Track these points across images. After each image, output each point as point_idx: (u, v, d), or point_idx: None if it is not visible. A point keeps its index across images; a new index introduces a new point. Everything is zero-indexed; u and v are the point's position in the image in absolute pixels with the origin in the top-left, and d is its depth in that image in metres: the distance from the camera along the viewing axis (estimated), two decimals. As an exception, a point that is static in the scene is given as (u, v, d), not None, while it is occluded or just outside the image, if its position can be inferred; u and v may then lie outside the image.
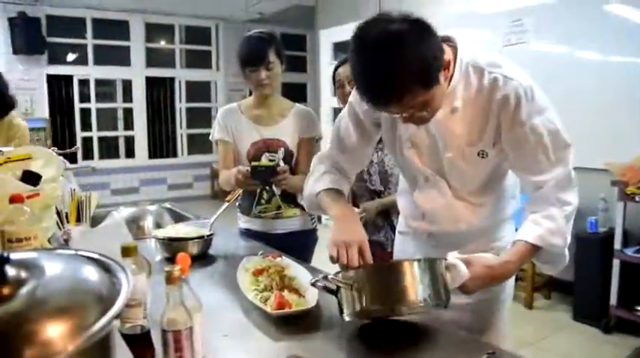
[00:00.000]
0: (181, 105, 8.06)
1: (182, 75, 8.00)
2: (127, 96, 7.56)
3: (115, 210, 2.22)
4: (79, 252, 0.58)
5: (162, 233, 1.80)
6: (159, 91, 7.89)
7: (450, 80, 1.23)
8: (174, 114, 8.04)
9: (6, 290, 0.46)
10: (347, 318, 1.16)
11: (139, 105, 7.59)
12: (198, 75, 8.21)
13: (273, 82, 2.03)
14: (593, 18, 3.51)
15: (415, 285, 1.12)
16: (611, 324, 3.21)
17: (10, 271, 0.48)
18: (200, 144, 8.38)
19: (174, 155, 8.16)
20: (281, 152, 2.07)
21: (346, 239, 1.23)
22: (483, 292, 1.29)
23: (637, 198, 3.01)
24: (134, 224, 2.14)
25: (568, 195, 1.25)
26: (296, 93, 8.95)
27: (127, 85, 7.53)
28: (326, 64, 6.59)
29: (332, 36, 6.32)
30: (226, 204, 1.99)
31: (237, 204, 2.20)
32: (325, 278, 1.20)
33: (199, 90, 8.26)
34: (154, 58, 7.73)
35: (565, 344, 3.10)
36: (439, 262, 1.17)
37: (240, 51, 2.03)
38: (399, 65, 1.06)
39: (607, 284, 3.21)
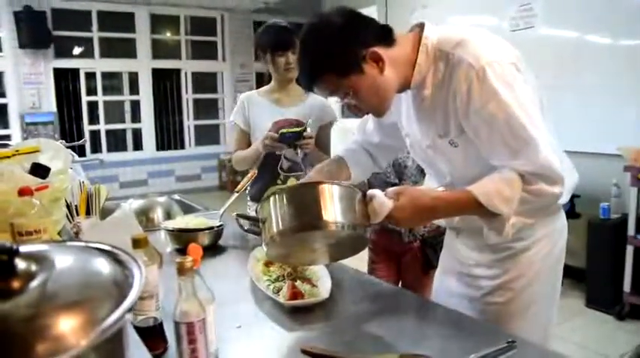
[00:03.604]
0: (188, 96, 8.04)
1: (188, 66, 7.97)
2: (134, 88, 7.56)
3: (124, 202, 2.22)
4: (90, 244, 0.56)
5: (171, 224, 1.79)
6: (165, 83, 7.87)
7: (413, 68, 1.22)
8: (181, 105, 8.03)
9: (16, 284, 0.44)
10: (264, 247, 1.16)
11: (146, 97, 7.59)
12: (204, 66, 8.18)
13: (296, 67, 2.10)
14: (601, 3, 3.45)
15: (328, 206, 1.10)
16: (624, 311, 3.18)
17: (20, 264, 0.46)
18: (208, 136, 8.38)
19: (182, 147, 8.16)
20: (309, 122, 2.16)
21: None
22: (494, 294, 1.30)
23: (650, 183, 2.96)
24: (143, 215, 2.13)
25: (540, 184, 1.15)
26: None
27: (134, 78, 7.51)
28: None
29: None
30: (236, 195, 1.98)
31: (247, 192, 2.21)
32: (243, 216, 1.25)
33: (206, 82, 8.24)
34: (159, 50, 7.70)
35: (578, 331, 3.08)
36: (355, 191, 1.17)
37: (264, 38, 2.14)
38: (311, 53, 1.21)
39: (620, 270, 3.18)
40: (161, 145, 7.93)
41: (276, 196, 1.16)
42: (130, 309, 0.43)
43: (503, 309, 1.36)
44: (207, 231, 1.77)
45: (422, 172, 2.12)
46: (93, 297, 0.45)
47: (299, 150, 2.12)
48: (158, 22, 7.67)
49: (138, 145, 7.71)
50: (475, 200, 1.15)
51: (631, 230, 3.11)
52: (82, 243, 0.57)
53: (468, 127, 1.20)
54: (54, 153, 1.43)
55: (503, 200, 1.15)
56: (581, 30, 3.60)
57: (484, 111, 1.14)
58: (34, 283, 0.44)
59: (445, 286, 1.54)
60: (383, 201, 1.15)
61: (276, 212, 1.14)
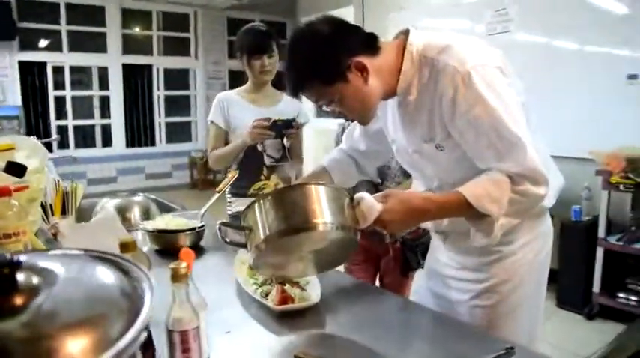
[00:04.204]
0: (159, 93, 7.88)
1: (160, 62, 7.81)
2: (104, 83, 7.35)
3: (96, 200, 2.14)
4: (90, 253, 0.53)
5: (151, 225, 1.74)
6: (136, 79, 7.69)
7: (399, 75, 1.22)
8: (152, 102, 7.86)
9: (18, 300, 0.40)
10: (251, 258, 1.13)
11: (116, 93, 7.39)
12: (176, 62, 8.02)
13: (273, 69, 2.20)
14: (574, 8, 3.53)
15: (316, 207, 1.08)
16: (594, 311, 3.26)
17: (22, 277, 0.42)
18: (179, 133, 8.25)
19: (153, 144, 7.99)
20: (298, 114, 2.23)
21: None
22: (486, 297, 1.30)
23: (621, 187, 3.04)
24: (120, 215, 2.04)
25: (526, 185, 1.16)
26: (276, 81, 8.84)
27: (104, 73, 7.31)
28: (308, 52, 6.52)
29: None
30: (217, 195, 1.93)
31: (226, 190, 2.18)
32: (225, 223, 1.23)
33: (178, 78, 8.09)
34: (130, 45, 7.51)
35: (550, 331, 3.14)
36: (343, 194, 1.15)
37: (243, 41, 2.20)
38: (297, 61, 1.22)
39: (590, 271, 3.26)
40: (131, 142, 7.74)
41: (261, 201, 1.12)
42: (146, 327, 0.40)
43: (490, 312, 1.37)
44: (188, 233, 1.72)
45: (405, 173, 2.12)
46: (103, 313, 0.41)
47: (285, 140, 2.17)
48: (129, 16, 7.47)
49: (107, 142, 7.51)
50: (465, 201, 1.15)
51: (601, 232, 3.19)
52: (81, 251, 0.53)
53: (454, 131, 1.21)
54: (30, 151, 1.36)
55: (493, 201, 1.15)
56: (554, 34, 3.68)
57: (470, 114, 1.15)
58: (38, 299, 0.40)
59: (431, 289, 1.54)
60: (371, 203, 1.14)
61: (262, 218, 1.10)
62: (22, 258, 0.45)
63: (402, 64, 1.23)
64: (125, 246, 0.94)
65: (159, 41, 7.79)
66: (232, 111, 2.22)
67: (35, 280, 0.42)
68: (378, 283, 2.22)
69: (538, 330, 1.48)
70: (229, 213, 2.32)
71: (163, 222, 1.76)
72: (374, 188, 2.11)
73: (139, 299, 0.43)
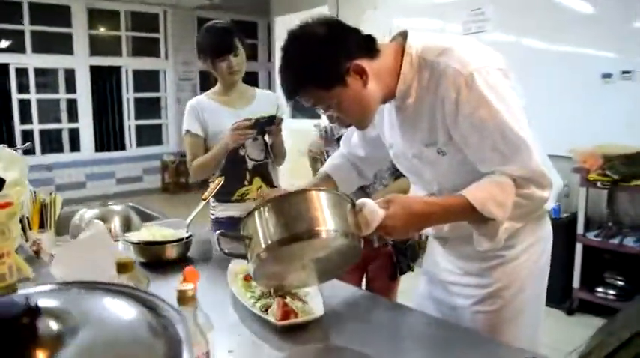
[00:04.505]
0: (129, 95, 7.69)
1: (129, 64, 7.62)
2: (71, 86, 7.12)
3: (74, 209, 2.04)
4: (108, 286, 0.47)
5: (136, 236, 1.66)
6: (105, 81, 7.48)
7: (397, 78, 1.20)
8: (122, 104, 7.67)
9: (42, 356, 0.34)
10: (251, 268, 1.11)
11: (84, 95, 7.17)
12: (145, 63, 7.85)
13: (241, 68, 2.11)
14: (549, 8, 3.59)
15: (318, 214, 1.05)
16: (574, 306, 3.31)
17: (42, 325, 0.36)
18: (150, 136, 8.07)
19: (123, 148, 7.79)
20: (278, 107, 2.14)
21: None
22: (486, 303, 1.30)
23: (598, 184, 3.10)
24: (100, 226, 1.97)
25: (531, 189, 1.14)
26: (246, 81, 8.76)
27: (70, 75, 7.08)
28: (282, 52, 6.45)
29: (288, 23, 6.17)
30: (203, 203, 1.87)
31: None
32: (225, 234, 1.19)
33: (148, 80, 7.92)
34: (98, 46, 7.30)
35: (533, 328, 3.17)
36: (345, 200, 1.13)
37: (204, 42, 2.07)
38: (293, 65, 1.17)
39: (570, 267, 3.31)
40: (100, 146, 7.54)
41: (261, 209, 1.09)
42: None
43: (493, 317, 1.35)
44: (175, 244, 1.65)
45: (392, 175, 2.10)
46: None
47: (267, 137, 2.11)
48: (96, 16, 7.27)
49: (75, 146, 7.28)
50: (469, 205, 1.13)
51: (580, 228, 3.25)
52: (97, 285, 0.47)
53: (456, 134, 1.18)
54: (7, 162, 1.27)
55: (497, 204, 1.13)
56: (530, 34, 3.73)
57: (474, 117, 1.12)
58: (64, 353, 0.34)
59: (432, 295, 1.51)
60: (374, 209, 1.11)
61: (262, 226, 1.07)
62: (36, 298, 0.39)
63: (401, 66, 1.20)
64: (123, 267, 0.88)
65: (128, 42, 7.60)
66: (208, 117, 2.12)
67: (55, 327, 0.36)
68: (364, 287, 2.19)
69: (540, 334, 1.47)
70: (212, 217, 2.25)
71: (149, 232, 1.69)
72: (361, 190, 2.08)
73: (175, 344, 0.38)
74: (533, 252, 1.36)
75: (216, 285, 1.44)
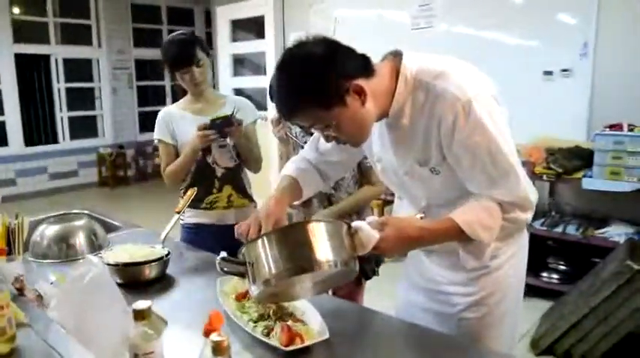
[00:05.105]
0: (60, 85, 7.25)
1: (58, 52, 7.17)
2: (-6, 75, 6.61)
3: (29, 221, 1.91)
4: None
5: (112, 256, 1.58)
6: (32, 70, 6.99)
7: (392, 98, 1.22)
8: (52, 95, 7.22)
9: None
10: (254, 293, 1.14)
11: (10, 86, 6.68)
12: (77, 52, 7.42)
13: (204, 78, 2.11)
14: (496, 4, 3.74)
15: (320, 246, 1.10)
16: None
17: None
18: (84, 128, 7.68)
19: (55, 141, 7.37)
20: (235, 108, 2.12)
21: (258, 214, 1.33)
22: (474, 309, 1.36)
23: (544, 177, 3.29)
24: (63, 243, 1.85)
25: (516, 213, 1.23)
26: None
27: (-8, 64, 6.57)
28: (224, 42, 6.29)
29: (230, 13, 6.02)
30: (177, 216, 1.82)
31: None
32: (226, 259, 1.19)
33: (80, 69, 7.49)
34: (23, 33, 6.80)
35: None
36: (341, 225, 1.17)
37: (166, 55, 2.08)
38: (292, 84, 1.16)
39: (517, 254, 3.50)
40: (30, 140, 7.07)
41: (265, 239, 1.14)
42: None
43: (477, 324, 1.42)
44: (154, 263, 1.59)
45: (356, 183, 2.13)
46: None
47: (228, 139, 2.09)
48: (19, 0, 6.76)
49: (2, 140, 6.78)
50: (458, 228, 1.19)
51: (527, 218, 3.43)
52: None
53: (449, 155, 1.23)
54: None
55: (485, 228, 1.20)
56: (477, 30, 3.86)
57: (469, 141, 1.17)
58: None
59: (414, 302, 1.56)
60: (369, 233, 1.15)
61: (266, 255, 1.11)
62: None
63: (396, 86, 1.22)
64: (140, 314, 0.84)
65: (56, 29, 7.14)
66: (177, 128, 2.14)
67: None
68: (330, 294, 2.21)
69: (516, 335, 1.56)
70: (182, 222, 2.24)
71: (125, 252, 1.61)
72: (326, 198, 2.10)
73: None
74: (515, 260, 1.43)
75: (202, 304, 1.41)
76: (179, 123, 2.13)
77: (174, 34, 2.15)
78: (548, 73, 3.51)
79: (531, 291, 3.49)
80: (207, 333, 0.82)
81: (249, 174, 2.28)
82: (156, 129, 2.17)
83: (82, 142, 7.62)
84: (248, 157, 2.19)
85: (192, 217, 2.21)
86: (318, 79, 1.13)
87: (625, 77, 3.30)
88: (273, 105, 2.20)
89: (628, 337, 2.55)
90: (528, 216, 1.25)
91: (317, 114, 1.17)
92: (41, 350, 0.95)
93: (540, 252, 3.51)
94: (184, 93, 2.21)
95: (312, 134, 1.89)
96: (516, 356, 1.34)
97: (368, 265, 2.16)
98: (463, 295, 1.42)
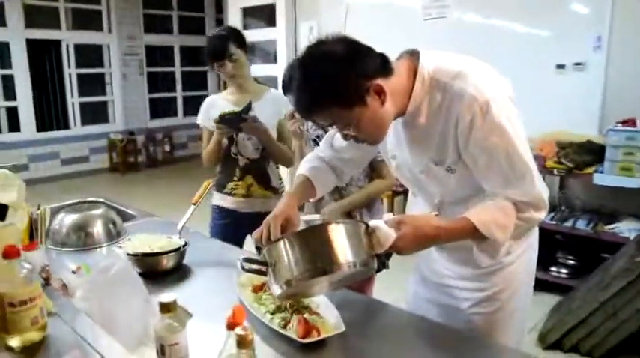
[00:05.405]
0: (71, 71, 7.29)
1: (69, 37, 7.19)
2: (6, 61, 6.65)
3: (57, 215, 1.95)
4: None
5: (131, 247, 1.62)
6: (44, 56, 7.03)
7: (409, 97, 1.23)
8: (64, 81, 7.26)
9: None
10: (276, 293, 1.18)
11: (22, 71, 6.73)
12: (87, 38, 7.44)
13: (239, 71, 2.23)
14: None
15: (340, 248, 1.13)
16: (530, 284, 3.53)
17: None
18: (95, 114, 7.73)
19: (67, 126, 7.43)
20: (249, 102, 2.17)
21: (270, 216, 1.34)
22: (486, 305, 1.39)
23: (555, 172, 3.29)
24: (82, 231, 1.89)
25: (530, 212, 1.23)
26: (193, 58, 8.50)
27: (5, 49, 6.60)
28: (236, 29, 6.27)
29: (241, 0, 6.00)
30: (193, 207, 1.85)
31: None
32: (248, 260, 1.23)
33: (91, 55, 7.52)
34: (35, 18, 6.83)
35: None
36: (359, 225, 1.20)
37: (205, 50, 2.22)
38: (314, 83, 1.16)
39: (525, 248, 3.51)
40: (42, 126, 7.13)
41: (286, 241, 1.17)
42: None
43: (488, 319, 1.45)
44: (172, 253, 1.63)
45: (367, 176, 2.15)
46: None
47: (243, 135, 2.21)
48: (31, -15, 6.78)
49: (15, 126, 6.84)
50: (473, 227, 1.20)
51: (536, 212, 3.43)
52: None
53: (466, 155, 1.24)
54: (2, 182, 1.20)
55: (500, 228, 1.21)
56: (490, 21, 3.83)
57: (486, 142, 1.19)
58: None
59: (423, 295, 1.59)
60: (387, 232, 1.18)
61: (288, 257, 1.15)
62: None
63: (414, 86, 1.23)
64: (166, 307, 0.87)
65: (67, 14, 7.15)
66: (213, 114, 2.22)
67: None
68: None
69: (525, 329, 1.59)
70: (211, 204, 2.43)
71: (144, 243, 1.65)
72: (337, 191, 2.13)
73: None
74: (527, 256, 1.46)
75: (219, 295, 1.45)
76: (216, 110, 2.22)
77: (216, 29, 2.31)
78: (561, 66, 3.49)
79: (539, 285, 3.48)
80: (230, 326, 0.85)
81: (280, 168, 2.40)
82: (199, 114, 2.37)
83: (93, 128, 7.68)
84: (273, 151, 2.27)
85: (217, 199, 2.41)
86: (340, 79, 1.14)
87: (639, 72, 3.28)
88: (287, 99, 2.27)
89: (636, 333, 2.57)
90: (542, 215, 1.27)
91: (338, 114, 1.18)
92: (70, 338, 0.98)
93: (549, 247, 3.52)
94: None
95: (324, 128, 1.90)
96: (524, 350, 1.36)
97: (378, 259, 2.19)
98: (474, 290, 1.45)
